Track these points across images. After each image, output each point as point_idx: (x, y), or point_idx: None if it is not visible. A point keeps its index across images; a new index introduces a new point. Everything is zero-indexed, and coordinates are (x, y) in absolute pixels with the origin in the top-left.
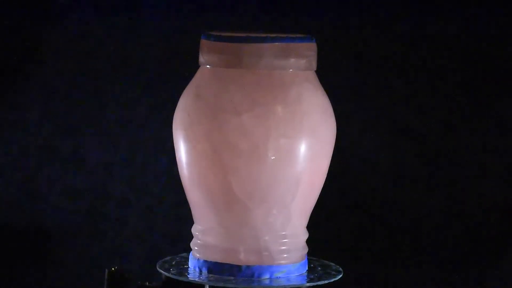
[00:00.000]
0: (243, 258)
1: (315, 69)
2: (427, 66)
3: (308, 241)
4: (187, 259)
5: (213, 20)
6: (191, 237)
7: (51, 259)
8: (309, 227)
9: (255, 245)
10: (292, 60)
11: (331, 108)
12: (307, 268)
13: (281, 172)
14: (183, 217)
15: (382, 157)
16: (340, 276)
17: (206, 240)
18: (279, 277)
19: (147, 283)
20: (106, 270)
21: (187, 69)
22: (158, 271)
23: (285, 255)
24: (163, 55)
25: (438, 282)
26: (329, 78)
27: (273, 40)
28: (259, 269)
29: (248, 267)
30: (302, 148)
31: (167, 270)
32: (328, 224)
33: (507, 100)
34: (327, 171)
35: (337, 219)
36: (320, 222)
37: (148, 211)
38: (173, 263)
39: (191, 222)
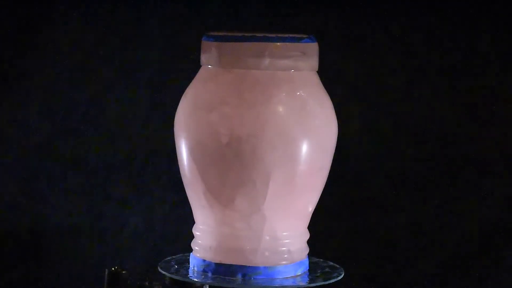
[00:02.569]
0: (220, 256)
1: (303, 69)
2: (428, 66)
3: (308, 241)
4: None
5: (216, 20)
6: (191, 237)
7: (51, 259)
8: (309, 227)
9: (232, 244)
10: (267, 60)
11: (318, 111)
12: (297, 273)
13: (246, 172)
14: (183, 217)
15: (382, 157)
16: (320, 284)
17: (198, 238)
18: (255, 277)
19: (147, 283)
20: (106, 270)
21: (189, 69)
22: (158, 271)
23: (260, 257)
24: (163, 55)
25: (438, 282)
26: (329, 78)
27: (248, 39)
28: (230, 268)
29: (221, 265)
30: (268, 149)
31: (169, 269)
32: (328, 224)
33: (507, 100)
34: (316, 173)
35: (337, 219)
36: (320, 222)
37: (148, 211)
38: (175, 262)
39: (191, 222)
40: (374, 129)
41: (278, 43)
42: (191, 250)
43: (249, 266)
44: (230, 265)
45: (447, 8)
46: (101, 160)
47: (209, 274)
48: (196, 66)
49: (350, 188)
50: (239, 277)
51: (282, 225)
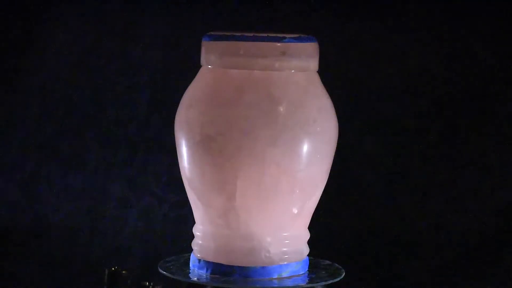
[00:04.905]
0: (202, 253)
1: (284, 70)
2: (428, 66)
3: (308, 241)
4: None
5: (217, 20)
6: (191, 237)
7: (51, 259)
8: (309, 227)
9: (211, 242)
10: (243, 59)
11: (294, 112)
12: (279, 275)
13: (216, 170)
14: (183, 217)
15: (382, 157)
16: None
17: (195, 236)
18: (230, 276)
19: (147, 283)
20: (106, 270)
21: (189, 69)
22: (158, 271)
23: (236, 256)
24: (163, 56)
25: (438, 282)
26: (330, 78)
27: (227, 38)
28: (207, 264)
29: (203, 261)
30: (234, 149)
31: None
32: (328, 224)
33: (508, 100)
34: (294, 176)
35: (337, 219)
36: (320, 222)
37: (148, 211)
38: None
39: (191, 222)
40: (374, 129)
41: (252, 42)
42: (191, 249)
43: (224, 264)
44: (208, 262)
45: (447, 7)
46: (101, 160)
47: (196, 270)
48: (198, 65)
49: (350, 188)
50: (214, 275)
51: (260, 226)
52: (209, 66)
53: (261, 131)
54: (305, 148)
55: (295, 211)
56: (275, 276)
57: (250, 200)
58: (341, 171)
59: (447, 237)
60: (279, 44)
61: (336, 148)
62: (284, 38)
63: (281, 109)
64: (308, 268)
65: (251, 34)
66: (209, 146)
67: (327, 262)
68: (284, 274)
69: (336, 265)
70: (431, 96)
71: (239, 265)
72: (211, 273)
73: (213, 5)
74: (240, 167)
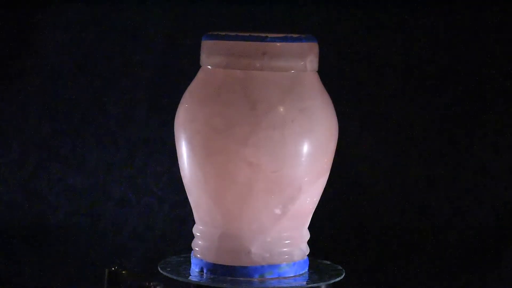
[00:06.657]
0: (195, 252)
1: (264, 70)
2: (428, 65)
3: (308, 241)
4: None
5: (218, 20)
6: (191, 237)
7: (51, 259)
8: (309, 227)
9: (200, 240)
10: (225, 58)
11: (268, 113)
12: (261, 275)
13: (198, 168)
14: (183, 217)
15: (382, 157)
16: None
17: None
18: (211, 274)
19: (147, 283)
20: (106, 270)
21: (189, 69)
22: (158, 271)
23: (220, 254)
24: (164, 55)
25: (439, 282)
26: (329, 78)
27: (214, 37)
28: (195, 261)
29: (194, 258)
30: (212, 148)
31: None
32: (328, 224)
33: (508, 100)
34: (270, 176)
35: (337, 219)
36: (320, 222)
37: (148, 211)
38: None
39: (191, 222)
40: (374, 129)
41: (234, 42)
42: (191, 249)
43: (209, 262)
44: (197, 259)
45: (448, 8)
46: (101, 160)
47: (188, 268)
48: (198, 65)
49: (350, 188)
50: (201, 272)
51: (241, 225)
52: (203, 66)
53: (234, 130)
54: (280, 149)
55: (278, 212)
56: (256, 277)
57: (229, 199)
58: (341, 171)
59: (447, 237)
60: (259, 44)
61: (336, 148)
62: (266, 37)
63: (255, 109)
64: (305, 270)
65: (234, 34)
66: (192, 143)
67: (327, 262)
68: (268, 275)
69: (336, 265)
70: (431, 96)
71: (222, 263)
72: (199, 271)
73: (215, 5)
74: (217, 165)
